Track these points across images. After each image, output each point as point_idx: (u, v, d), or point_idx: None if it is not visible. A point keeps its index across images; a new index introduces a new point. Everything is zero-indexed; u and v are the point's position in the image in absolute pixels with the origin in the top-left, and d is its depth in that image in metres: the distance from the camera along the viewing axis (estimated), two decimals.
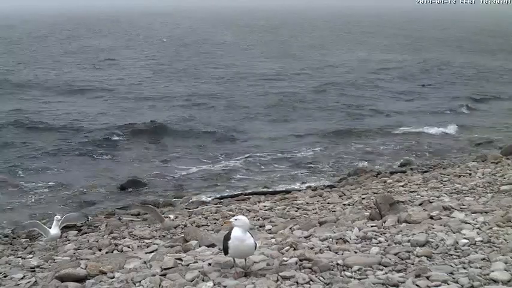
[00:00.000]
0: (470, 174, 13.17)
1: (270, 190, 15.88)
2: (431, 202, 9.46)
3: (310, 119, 27.08)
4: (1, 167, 18.62)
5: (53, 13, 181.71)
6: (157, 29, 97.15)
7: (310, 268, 5.68)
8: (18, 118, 25.30)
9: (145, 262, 7.61)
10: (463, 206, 8.14)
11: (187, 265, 6.47)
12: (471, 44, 66.81)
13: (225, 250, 5.56)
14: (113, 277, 6.73)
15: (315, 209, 12.06)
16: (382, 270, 5.56)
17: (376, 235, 6.91)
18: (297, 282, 5.35)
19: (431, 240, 6.29)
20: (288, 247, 6.54)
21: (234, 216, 6.64)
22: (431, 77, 40.44)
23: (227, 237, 5.52)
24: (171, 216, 11.35)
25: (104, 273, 7.13)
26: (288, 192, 15.04)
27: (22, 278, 8.00)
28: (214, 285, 5.52)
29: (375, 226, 7.59)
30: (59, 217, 10.92)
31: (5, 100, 30.00)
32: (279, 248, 6.59)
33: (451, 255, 5.85)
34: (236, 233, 5.46)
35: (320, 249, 6.39)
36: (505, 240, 6.11)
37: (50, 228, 10.73)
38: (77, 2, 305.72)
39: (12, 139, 22.04)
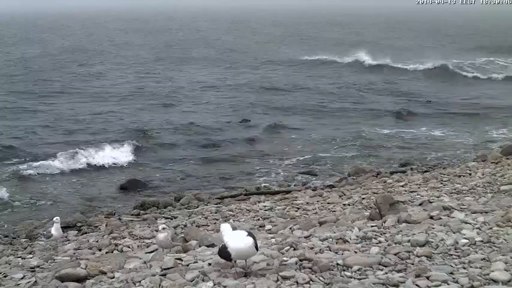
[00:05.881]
0: (470, 174, 13.16)
1: (270, 190, 15.85)
2: (431, 202, 9.46)
3: (309, 118, 27.12)
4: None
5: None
6: None
7: (310, 268, 5.68)
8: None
9: (145, 262, 7.61)
10: (463, 206, 8.14)
11: (187, 265, 6.48)
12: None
13: (228, 257, 5.57)
14: (113, 277, 6.73)
15: (315, 209, 12.04)
16: (382, 270, 5.56)
17: (376, 235, 6.90)
18: (297, 282, 5.35)
19: (431, 240, 6.28)
20: (288, 247, 6.54)
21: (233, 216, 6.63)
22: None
23: (223, 246, 5.58)
24: (161, 227, 8.64)
25: (104, 273, 7.14)
26: (288, 192, 15.01)
27: (22, 278, 7.99)
28: (214, 285, 5.52)
29: (375, 226, 7.59)
30: (58, 218, 10.90)
31: None
32: (279, 248, 6.59)
33: (451, 255, 5.85)
34: (229, 236, 5.50)
35: (320, 249, 6.39)
36: (505, 240, 6.11)
37: (51, 229, 10.72)
38: (76, 2, 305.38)
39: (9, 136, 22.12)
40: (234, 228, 5.88)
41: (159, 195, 16.10)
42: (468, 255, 5.77)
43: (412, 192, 11.68)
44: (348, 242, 6.76)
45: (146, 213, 13.88)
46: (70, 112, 27.73)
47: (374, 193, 12.41)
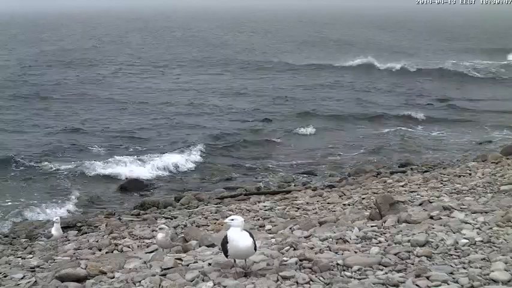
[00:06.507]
0: (470, 174, 13.15)
1: (270, 190, 15.85)
2: (431, 202, 9.45)
3: (309, 118, 27.12)
4: None
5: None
6: None
7: (310, 268, 5.67)
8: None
9: (145, 262, 7.61)
10: (463, 206, 8.13)
11: (187, 265, 6.46)
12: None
13: (225, 252, 5.56)
14: (113, 277, 6.73)
15: (315, 209, 12.04)
16: (382, 270, 5.56)
17: (376, 235, 6.90)
18: (297, 282, 5.34)
19: (431, 240, 6.28)
20: (288, 247, 6.54)
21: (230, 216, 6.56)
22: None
23: (225, 239, 5.53)
24: (159, 227, 8.82)
25: (104, 273, 7.13)
26: (288, 192, 15.01)
27: (22, 278, 7.98)
28: (214, 285, 5.52)
29: (375, 226, 7.58)
30: (58, 218, 10.90)
31: None
32: (279, 248, 6.58)
33: (451, 255, 5.85)
34: (234, 233, 5.46)
35: (320, 249, 6.38)
36: (505, 240, 6.11)
37: (51, 229, 10.72)
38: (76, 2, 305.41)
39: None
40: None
41: (159, 195, 16.10)
42: (468, 255, 5.77)
43: (412, 192, 11.67)
44: (348, 242, 6.76)
45: (146, 213, 13.88)
46: (70, 113, 27.74)
47: (374, 193, 12.40)
